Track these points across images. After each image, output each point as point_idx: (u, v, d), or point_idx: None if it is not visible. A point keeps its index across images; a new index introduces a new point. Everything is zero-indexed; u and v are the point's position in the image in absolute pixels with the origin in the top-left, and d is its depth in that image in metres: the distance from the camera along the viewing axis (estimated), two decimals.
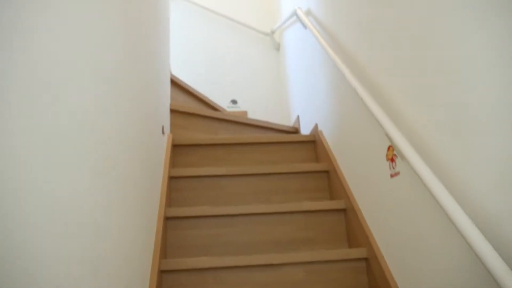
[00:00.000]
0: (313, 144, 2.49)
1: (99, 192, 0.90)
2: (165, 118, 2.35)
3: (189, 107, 2.71)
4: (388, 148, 1.51)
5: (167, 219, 1.86)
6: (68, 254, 0.72)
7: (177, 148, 2.39)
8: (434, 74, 1.19)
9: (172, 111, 2.60)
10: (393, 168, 1.48)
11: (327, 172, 2.21)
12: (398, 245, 1.46)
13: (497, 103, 0.95)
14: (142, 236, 1.37)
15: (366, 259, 1.69)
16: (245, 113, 3.59)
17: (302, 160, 2.46)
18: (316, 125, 2.48)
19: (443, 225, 1.16)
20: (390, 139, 1.37)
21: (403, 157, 1.33)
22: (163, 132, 2.14)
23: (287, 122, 3.37)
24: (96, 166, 0.90)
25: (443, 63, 1.15)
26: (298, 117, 3.02)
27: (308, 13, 2.63)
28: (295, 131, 3.00)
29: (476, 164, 1.02)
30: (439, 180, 1.11)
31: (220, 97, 3.63)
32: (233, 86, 3.73)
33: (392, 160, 1.49)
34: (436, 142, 1.20)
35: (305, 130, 2.79)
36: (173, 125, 2.60)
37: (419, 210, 1.30)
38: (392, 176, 1.49)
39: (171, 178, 2.11)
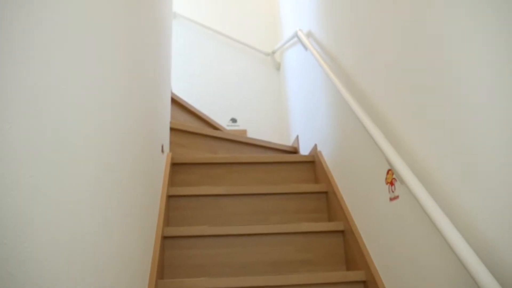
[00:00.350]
0: (312, 165, 2.50)
1: (97, 207, 0.91)
2: (165, 137, 2.36)
3: (189, 126, 2.72)
4: (388, 172, 1.52)
5: (164, 238, 1.86)
6: (68, 262, 0.72)
7: (176, 166, 2.39)
8: (435, 104, 1.21)
9: (172, 129, 2.62)
10: (393, 191, 1.48)
11: (326, 193, 2.21)
12: (396, 268, 1.46)
13: (496, 125, 0.96)
14: (139, 254, 1.37)
15: (364, 282, 1.69)
16: (244, 132, 3.60)
17: (301, 181, 2.46)
18: (316, 146, 2.49)
19: (441, 249, 1.16)
20: (389, 163, 1.37)
21: (402, 181, 1.33)
22: (162, 151, 2.15)
23: (287, 142, 3.38)
24: (97, 181, 0.90)
25: (444, 90, 1.16)
26: (297, 137, 3.03)
27: (309, 34, 2.66)
28: (294, 151, 3.01)
29: (474, 188, 1.03)
30: (437, 204, 1.12)
31: (220, 116, 3.64)
32: (233, 105, 3.75)
33: (392, 183, 1.49)
34: (435, 167, 1.21)
35: (304, 150, 2.80)
36: (173, 144, 2.60)
37: (418, 233, 1.31)
38: (391, 199, 1.49)
39: (170, 197, 2.11)
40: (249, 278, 1.64)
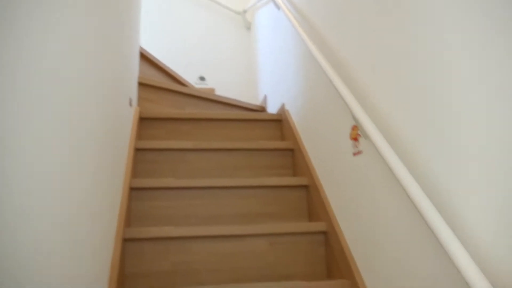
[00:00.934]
0: (280, 123, 2.54)
1: (63, 152, 0.92)
2: (133, 90, 2.34)
3: (157, 81, 2.70)
4: (352, 128, 1.58)
5: (132, 189, 1.87)
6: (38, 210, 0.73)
7: (144, 121, 2.39)
8: (403, 63, 1.25)
9: (141, 84, 2.59)
10: (356, 147, 1.54)
11: (292, 150, 2.26)
12: (356, 220, 1.53)
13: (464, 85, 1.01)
14: (107, 203, 1.39)
15: (324, 232, 1.77)
16: (212, 90, 3.60)
17: (268, 138, 2.51)
18: (283, 105, 2.53)
19: (401, 199, 1.23)
20: (355, 119, 1.42)
21: (366, 136, 1.39)
22: (130, 104, 2.13)
23: (255, 101, 3.41)
24: (62, 127, 0.91)
25: (410, 50, 1.20)
26: (265, 96, 3.06)
27: None
28: (262, 110, 3.04)
29: (436, 146, 1.09)
30: (399, 158, 1.18)
31: (188, 74, 3.62)
32: (202, 63, 3.73)
33: (356, 139, 1.55)
34: (399, 122, 1.27)
35: (272, 109, 2.84)
36: (141, 99, 2.59)
37: (379, 185, 1.38)
38: (354, 154, 1.56)
39: (137, 150, 2.12)
40: (215, 228, 1.69)
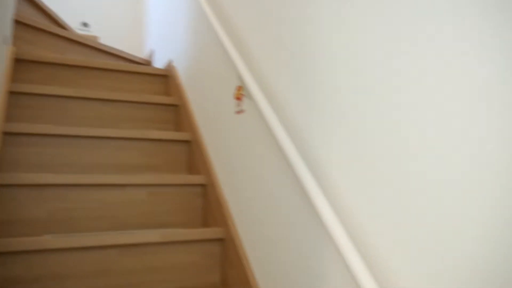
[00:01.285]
0: (166, 79, 2.56)
1: None
2: (7, 27, 2.17)
3: (36, 21, 2.53)
4: (237, 88, 1.67)
5: (5, 134, 1.78)
6: None
7: (20, 63, 2.24)
8: (283, 28, 1.36)
9: (18, 22, 2.41)
10: (239, 106, 1.65)
11: (176, 106, 2.31)
12: (235, 173, 1.65)
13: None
14: None
15: (203, 185, 1.87)
16: (96, 38, 3.45)
17: (153, 93, 2.51)
18: (170, 61, 2.54)
19: (276, 156, 1.37)
20: (240, 79, 1.52)
21: (250, 97, 1.50)
22: (4, 43, 1.99)
23: (141, 54, 3.35)
24: None
25: (289, 16, 1.32)
26: (152, 50, 3.03)
27: None
28: (148, 64, 3.01)
29: (310, 106, 1.23)
30: (278, 118, 1.31)
31: (70, 18, 3.41)
32: (85, 8, 3.53)
33: (239, 98, 1.65)
34: (280, 88, 1.39)
35: (159, 64, 2.83)
36: (17, 39, 2.41)
37: (258, 142, 1.50)
38: (237, 113, 1.66)
39: (12, 93, 2.00)
40: (94, 176, 1.69)
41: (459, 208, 0.74)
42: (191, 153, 2.06)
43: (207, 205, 1.81)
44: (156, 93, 2.52)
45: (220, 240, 1.64)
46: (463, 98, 0.74)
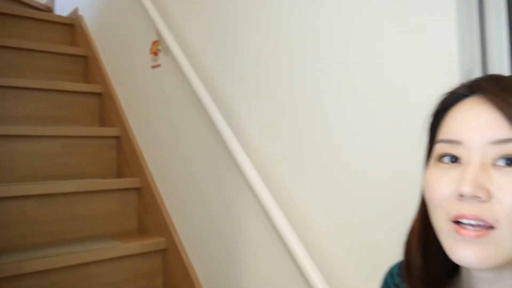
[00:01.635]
0: (72, 28, 2.46)
1: None
2: None
3: None
4: (153, 43, 1.71)
5: None
6: None
7: None
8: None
9: None
10: (155, 61, 1.69)
11: (85, 57, 2.26)
12: (150, 126, 1.72)
13: None
14: None
15: (117, 137, 1.89)
16: None
17: (57, 42, 2.41)
18: (77, 9, 2.45)
19: (197, 107, 1.45)
20: (158, 34, 1.56)
21: (167, 52, 1.55)
22: None
23: None
24: None
25: None
26: None
27: None
28: (49, 10, 2.85)
29: (224, 63, 1.33)
30: (196, 73, 1.39)
31: None
32: None
33: (156, 53, 1.69)
34: (197, 44, 1.47)
35: (61, 12, 2.70)
36: None
37: (175, 95, 1.57)
38: (153, 67, 1.71)
39: None
40: (5, 127, 1.65)
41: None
42: (103, 106, 2.06)
43: (122, 157, 1.86)
44: (61, 43, 2.42)
45: (136, 189, 1.71)
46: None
